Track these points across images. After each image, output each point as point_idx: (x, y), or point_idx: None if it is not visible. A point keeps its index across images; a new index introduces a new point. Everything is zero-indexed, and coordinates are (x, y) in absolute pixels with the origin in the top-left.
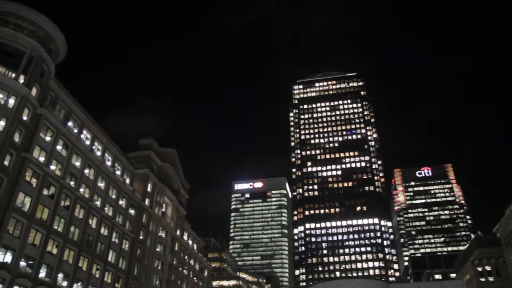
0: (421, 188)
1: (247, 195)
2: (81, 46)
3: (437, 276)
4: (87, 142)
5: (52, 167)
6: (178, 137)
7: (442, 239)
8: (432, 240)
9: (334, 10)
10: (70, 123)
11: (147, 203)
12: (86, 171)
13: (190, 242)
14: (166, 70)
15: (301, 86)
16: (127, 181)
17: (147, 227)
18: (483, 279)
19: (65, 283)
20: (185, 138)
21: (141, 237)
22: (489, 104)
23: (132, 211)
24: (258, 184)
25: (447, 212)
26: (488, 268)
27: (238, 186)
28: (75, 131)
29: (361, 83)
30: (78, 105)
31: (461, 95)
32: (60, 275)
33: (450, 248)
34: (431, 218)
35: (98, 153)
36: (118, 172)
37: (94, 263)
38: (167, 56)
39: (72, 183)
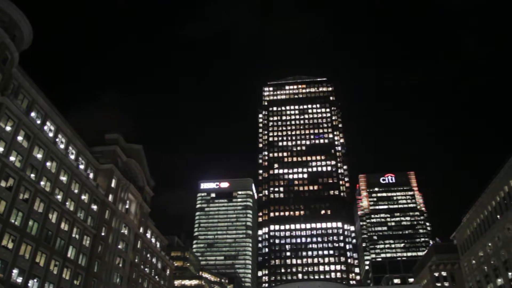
0: (384, 194)
1: (213, 195)
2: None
3: (396, 281)
4: (50, 134)
5: (12, 158)
6: (146, 136)
7: (402, 245)
8: (393, 245)
9: (307, 16)
10: (33, 114)
11: (111, 199)
12: (48, 164)
13: (153, 240)
14: (134, 69)
15: (271, 88)
16: (91, 176)
17: (109, 224)
18: (439, 284)
19: (20, 279)
20: (153, 136)
21: (103, 234)
22: (457, 116)
23: (94, 207)
24: (224, 184)
25: (408, 218)
26: (444, 273)
27: (204, 185)
28: (38, 122)
29: (330, 88)
30: (42, 95)
31: (429, 105)
32: (15, 271)
33: (409, 254)
34: (393, 224)
35: (62, 146)
36: (81, 166)
37: (53, 259)
38: (137, 55)
39: (32, 175)
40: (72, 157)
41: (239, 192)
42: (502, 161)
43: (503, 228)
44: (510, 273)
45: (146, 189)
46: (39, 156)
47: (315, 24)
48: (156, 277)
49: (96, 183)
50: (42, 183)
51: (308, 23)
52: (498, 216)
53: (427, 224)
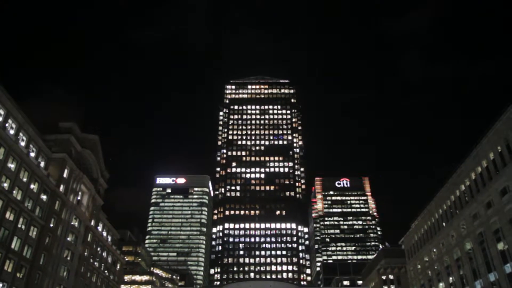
0: (338, 198)
1: (169, 190)
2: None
3: (346, 283)
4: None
5: None
6: (104, 130)
7: (353, 248)
8: (344, 248)
9: (262, 29)
10: None
11: (62, 189)
12: None
13: (104, 233)
14: (92, 71)
15: (233, 87)
16: (42, 164)
17: (59, 215)
18: (385, 287)
19: None
20: (109, 131)
21: (51, 225)
22: (415, 125)
23: (44, 197)
24: (181, 180)
25: (360, 222)
26: (391, 277)
27: (160, 180)
28: None
29: (292, 91)
30: None
31: (386, 115)
32: None
33: (359, 257)
34: (345, 227)
35: (12, 132)
36: (32, 154)
37: None
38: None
39: None
40: (23, 144)
41: (195, 189)
42: (449, 172)
43: (447, 235)
44: (451, 278)
45: (100, 181)
46: None
47: (276, 34)
48: (106, 271)
49: (47, 172)
50: None
51: (272, 32)
52: (444, 224)
53: (378, 228)
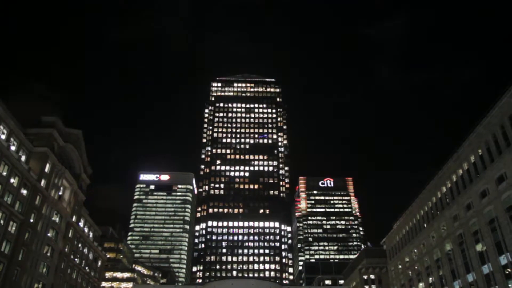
0: (322, 198)
1: (152, 187)
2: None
3: (327, 282)
4: None
5: None
6: (85, 126)
7: (335, 247)
8: (327, 248)
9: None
10: None
11: (43, 184)
12: None
13: (86, 229)
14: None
15: (219, 84)
16: (23, 158)
17: (39, 210)
18: (367, 286)
19: None
20: (93, 127)
21: (31, 220)
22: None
23: (24, 191)
24: (165, 177)
25: (343, 222)
26: (372, 276)
27: (143, 177)
28: None
29: (278, 90)
30: None
31: (370, 118)
32: None
33: (342, 256)
34: (328, 226)
35: None
36: (13, 148)
37: None
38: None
39: None
40: (3, 137)
41: (179, 186)
42: (432, 174)
43: (428, 236)
44: (431, 278)
45: (82, 177)
46: None
47: (263, 34)
48: (87, 268)
49: (28, 167)
50: None
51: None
52: (425, 225)
53: (361, 228)
